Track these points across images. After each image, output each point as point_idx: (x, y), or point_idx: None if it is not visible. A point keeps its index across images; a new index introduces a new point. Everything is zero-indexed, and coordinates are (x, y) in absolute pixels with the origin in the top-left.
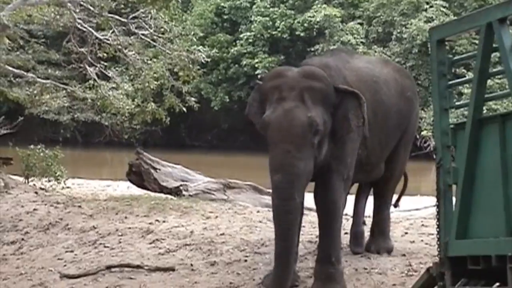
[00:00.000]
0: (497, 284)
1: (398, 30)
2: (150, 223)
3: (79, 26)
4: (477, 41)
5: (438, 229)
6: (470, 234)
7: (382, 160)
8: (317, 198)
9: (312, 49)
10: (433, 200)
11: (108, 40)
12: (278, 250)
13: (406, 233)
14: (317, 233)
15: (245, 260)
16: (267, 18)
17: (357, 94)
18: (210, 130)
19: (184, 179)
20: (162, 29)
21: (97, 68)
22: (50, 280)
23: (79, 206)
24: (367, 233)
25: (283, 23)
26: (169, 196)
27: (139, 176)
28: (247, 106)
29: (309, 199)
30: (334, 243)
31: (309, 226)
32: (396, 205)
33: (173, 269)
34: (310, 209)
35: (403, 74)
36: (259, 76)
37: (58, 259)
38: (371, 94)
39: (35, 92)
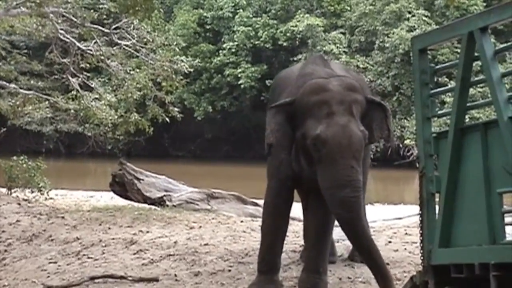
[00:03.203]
0: None
1: (381, 40)
2: (133, 234)
3: (61, 36)
4: (459, 50)
5: (421, 238)
6: (453, 242)
7: None
8: (311, 209)
9: (295, 58)
10: (416, 208)
11: (90, 50)
12: (365, 250)
13: (389, 241)
14: (301, 242)
15: (229, 270)
16: (250, 28)
17: (384, 106)
18: (194, 140)
19: (167, 190)
20: (145, 40)
21: (79, 79)
22: None
23: (62, 217)
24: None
25: (265, 33)
26: (153, 207)
27: (122, 187)
28: (270, 135)
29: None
30: (324, 253)
31: (293, 236)
32: None
33: (157, 280)
34: (293, 219)
35: (364, 84)
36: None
37: (42, 270)
38: None
39: (17, 103)
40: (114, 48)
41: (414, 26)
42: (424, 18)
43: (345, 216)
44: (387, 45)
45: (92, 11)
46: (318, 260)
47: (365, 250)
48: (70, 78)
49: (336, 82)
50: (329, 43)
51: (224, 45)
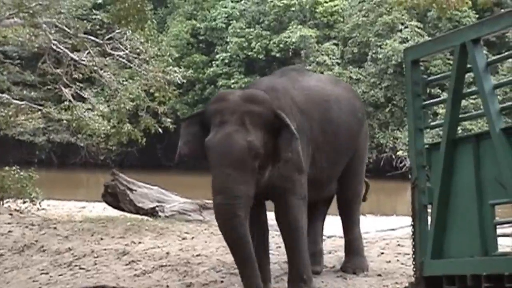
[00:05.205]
0: None
1: (373, 51)
2: (126, 245)
3: (54, 47)
4: (451, 62)
5: (413, 249)
6: (445, 253)
7: (333, 177)
8: (279, 220)
9: None
10: (408, 220)
11: (83, 61)
12: (238, 260)
13: (382, 253)
14: None
15: (221, 281)
16: (243, 39)
17: (288, 127)
18: None
19: (160, 200)
20: (138, 50)
21: (72, 89)
22: None
23: (55, 228)
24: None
25: (258, 43)
26: (145, 217)
27: (114, 197)
28: (183, 146)
29: None
30: (304, 261)
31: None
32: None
33: None
34: None
35: (354, 94)
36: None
37: (33, 281)
38: (320, 112)
39: (10, 113)
40: (107, 58)
41: (406, 38)
42: (416, 29)
43: (218, 222)
44: (380, 56)
45: (85, 21)
46: (299, 270)
47: (237, 257)
48: (63, 88)
49: (239, 93)
50: (322, 54)
51: (217, 56)
